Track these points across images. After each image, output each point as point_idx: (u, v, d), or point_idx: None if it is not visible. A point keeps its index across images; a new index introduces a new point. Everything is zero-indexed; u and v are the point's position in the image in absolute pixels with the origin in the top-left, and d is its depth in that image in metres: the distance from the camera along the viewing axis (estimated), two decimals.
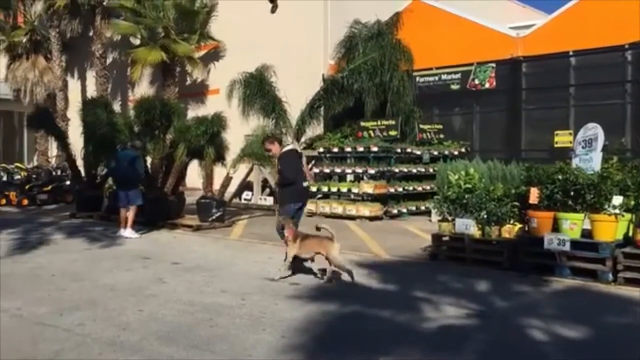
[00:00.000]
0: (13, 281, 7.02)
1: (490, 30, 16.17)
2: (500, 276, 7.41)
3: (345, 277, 6.95)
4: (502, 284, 7.04)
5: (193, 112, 16.91)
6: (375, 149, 13.81)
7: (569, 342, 4.97)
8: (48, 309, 5.78)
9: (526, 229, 7.88)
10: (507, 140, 15.78)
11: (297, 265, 7.34)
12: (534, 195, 7.64)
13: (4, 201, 16.67)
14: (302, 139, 16.63)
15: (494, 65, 15.76)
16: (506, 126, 15.93)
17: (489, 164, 12.54)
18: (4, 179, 17.52)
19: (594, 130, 8.20)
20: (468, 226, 8.03)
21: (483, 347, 4.91)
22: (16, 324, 5.33)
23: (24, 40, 23.44)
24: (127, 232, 10.69)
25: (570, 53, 14.71)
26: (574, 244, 7.14)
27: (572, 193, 7.46)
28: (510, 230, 7.93)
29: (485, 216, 8.04)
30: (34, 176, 17.97)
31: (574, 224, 7.27)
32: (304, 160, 8.30)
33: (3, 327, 5.22)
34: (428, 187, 14.54)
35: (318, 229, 7.21)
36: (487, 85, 15.88)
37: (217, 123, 12.35)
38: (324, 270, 7.16)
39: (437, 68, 16.72)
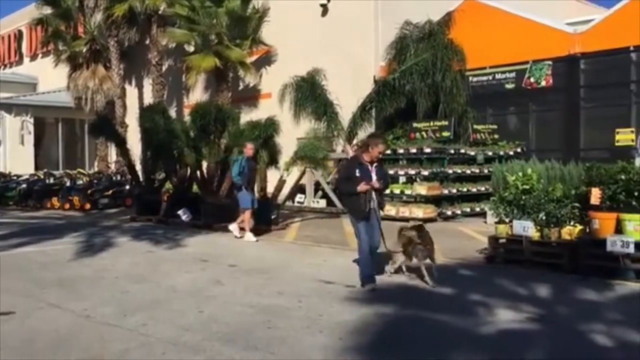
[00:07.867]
0: (80, 283, 7.32)
1: (546, 27, 15.76)
2: (561, 279, 7.23)
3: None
4: (562, 287, 6.86)
5: (246, 116, 17.14)
6: (428, 150, 13.69)
7: (637, 348, 4.81)
8: (113, 309, 6.00)
9: (587, 230, 7.65)
10: (565, 139, 15.35)
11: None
12: (595, 195, 7.43)
13: (68, 205, 17.40)
14: (354, 142, 16.62)
15: (550, 62, 15.35)
16: (564, 125, 15.50)
17: (546, 164, 12.22)
18: (68, 184, 18.24)
19: None
20: (526, 228, 7.86)
21: (547, 352, 4.81)
22: (84, 324, 5.55)
23: (84, 49, 24.22)
24: (246, 236, 10.92)
25: (631, 48, 14.16)
26: (639, 245, 6.90)
27: (636, 193, 7.23)
28: (571, 232, 7.72)
29: (544, 218, 7.87)
30: (95, 181, 18.69)
31: (639, 225, 7.03)
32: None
33: (72, 327, 5.45)
34: (483, 189, 14.31)
35: None
36: (543, 84, 15.49)
37: (270, 127, 12.50)
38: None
39: (490, 67, 16.42)
